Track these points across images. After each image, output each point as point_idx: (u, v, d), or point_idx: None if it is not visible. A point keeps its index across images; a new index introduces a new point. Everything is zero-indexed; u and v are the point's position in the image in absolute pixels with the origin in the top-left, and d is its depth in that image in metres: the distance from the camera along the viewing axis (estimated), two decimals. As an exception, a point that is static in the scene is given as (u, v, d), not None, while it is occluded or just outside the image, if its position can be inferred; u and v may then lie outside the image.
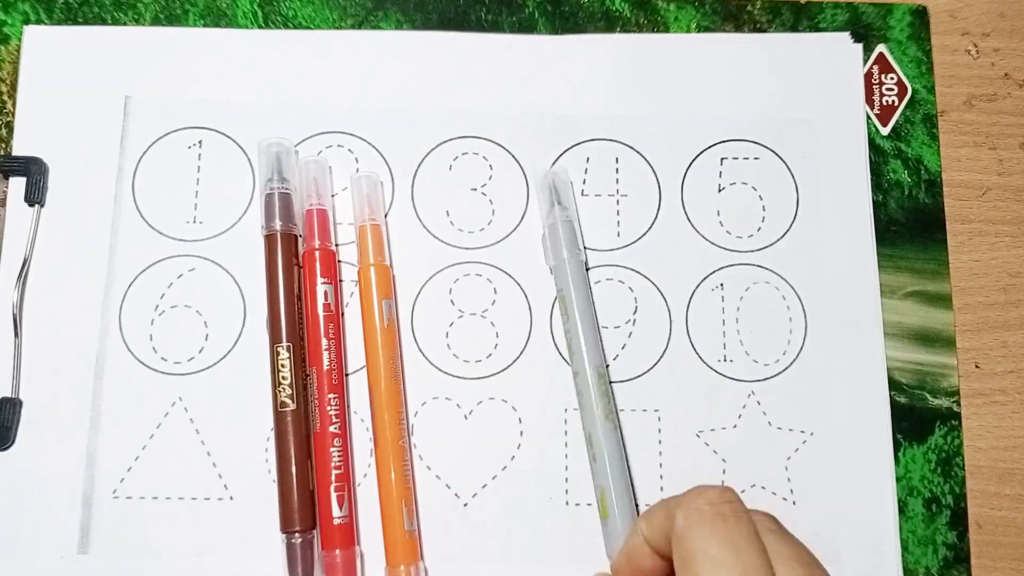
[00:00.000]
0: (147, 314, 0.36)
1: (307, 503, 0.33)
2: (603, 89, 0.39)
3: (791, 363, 0.37)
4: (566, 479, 0.35)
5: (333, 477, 0.33)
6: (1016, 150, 0.39)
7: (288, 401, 0.33)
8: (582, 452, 0.35)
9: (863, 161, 0.38)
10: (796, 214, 0.38)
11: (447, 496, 0.35)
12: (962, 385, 0.37)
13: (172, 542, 0.34)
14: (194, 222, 0.37)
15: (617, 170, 0.38)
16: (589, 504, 0.35)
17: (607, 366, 0.36)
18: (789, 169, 0.38)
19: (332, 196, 0.37)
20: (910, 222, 0.38)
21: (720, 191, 0.38)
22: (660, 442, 0.36)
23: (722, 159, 0.38)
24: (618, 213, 0.38)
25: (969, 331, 0.38)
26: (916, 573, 0.35)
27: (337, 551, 0.33)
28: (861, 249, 0.38)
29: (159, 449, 0.35)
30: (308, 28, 0.39)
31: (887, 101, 0.39)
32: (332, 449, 0.33)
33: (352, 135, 0.38)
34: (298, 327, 0.34)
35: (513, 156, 0.38)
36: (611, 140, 0.38)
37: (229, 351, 0.36)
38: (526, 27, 0.39)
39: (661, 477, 0.35)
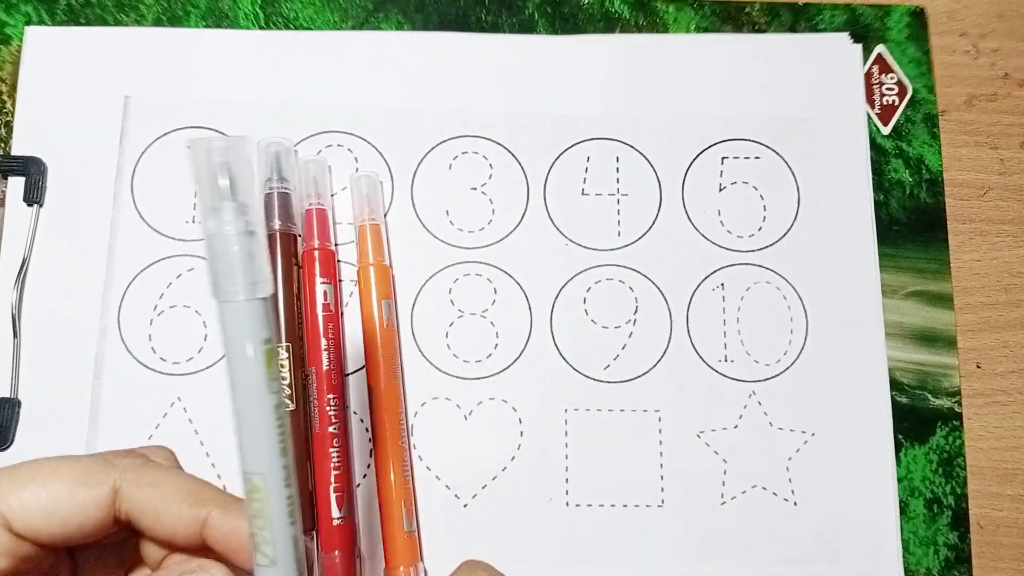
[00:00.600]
0: (146, 314, 0.36)
1: (306, 504, 0.33)
2: (603, 89, 0.39)
3: (792, 363, 0.37)
4: (566, 479, 0.35)
5: (332, 478, 0.33)
6: (1017, 150, 0.39)
7: (287, 401, 0.33)
8: (582, 452, 0.35)
9: (864, 161, 0.38)
10: (797, 214, 0.38)
11: (447, 496, 0.35)
12: (963, 385, 0.37)
13: (171, 543, 0.34)
14: (193, 222, 0.37)
15: (617, 170, 0.38)
16: (589, 504, 0.35)
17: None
18: (790, 169, 0.38)
19: (332, 196, 0.37)
20: (911, 222, 0.38)
21: (721, 191, 0.38)
22: (660, 442, 0.36)
23: (723, 159, 0.38)
24: (618, 213, 0.38)
25: (970, 331, 0.37)
26: (917, 574, 0.35)
27: (336, 552, 0.32)
28: (862, 249, 0.38)
29: (158, 449, 0.34)
30: (309, 29, 0.39)
31: (887, 101, 0.39)
32: (331, 450, 0.33)
33: (352, 135, 0.38)
34: (297, 327, 0.34)
35: (513, 156, 0.38)
36: (611, 140, 0.38)
37: (228, 351, 0.35)
38: (526, 28, 0.39)
39: (662, 478, 0.35)
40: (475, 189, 0.38)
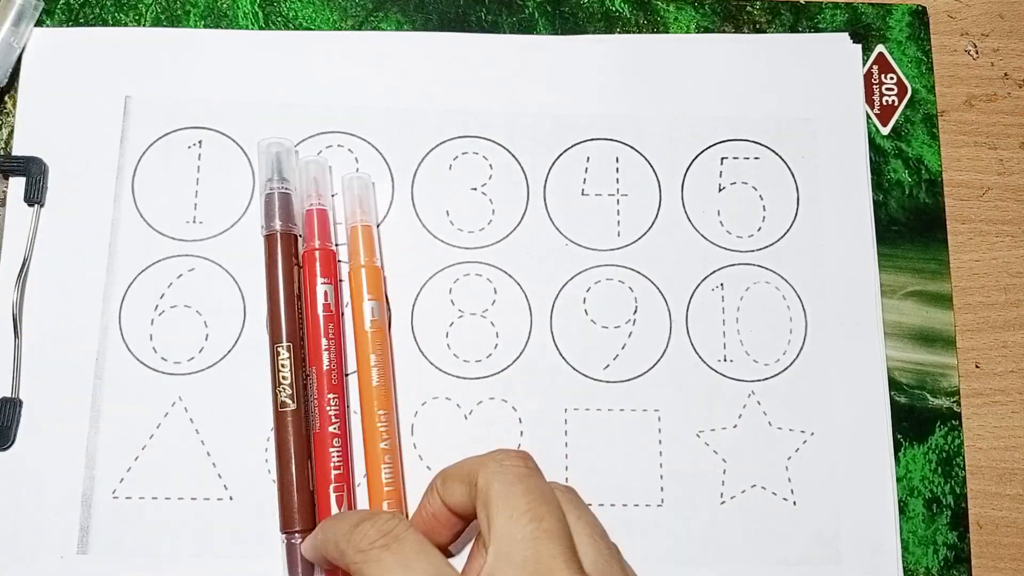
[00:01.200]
0: (147, 314, 0.36)
1: (307, 503, 0.33)
2: (603, 89, 0.39)
3: (791, 363, 0.37)
4: (566, 479, 0.35)
5: (333, 477, 0.33)
6: (1016, 150, 0.39)
7: (288, 401, 0.33)
8: (582, 452, 0.35)
9: (863, 161, 0.38)
10: (796, 214, 0.38)
11: (447, 496, 0.35)
12: (962, 385, 0.37)
13: (172, 542, 0.34)
14: (194, 222, 0.37)
15: (617, 170, 0.38)
16: (589, 504, 0.35)
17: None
18: (789, 169, 0.38)
19: (332, 196, 0.37)
20: (910, 222, 0.38)
21: (720, 191, 0.38)
22: (660, 442, 0.36)
23: (722, 159, 0.38)
24: (618, 213, 0.38)
25: (969, 331, 0.38)
26: (916, 573, 0.35)
27: (337, 551, 0.32)
28: (861, 249, 0.38)
29: (159, 449, 0.35)
30: (309, 29, 0.39)
31: (887, 101, 0.39)
32: (332, 449, 0.33)
33: (352, 135, 0.38)
34: (298, 327, 0.34)
35: (513, 156, 0.38)
36: (611, 140, 0.38)
37: (229, 351, 0.36)
38: (526, 28, 0.39)
39: (661, 477, 0.35)
40: (475, 189, 0.38)
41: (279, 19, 0.39)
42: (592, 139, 0.38)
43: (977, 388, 0.37)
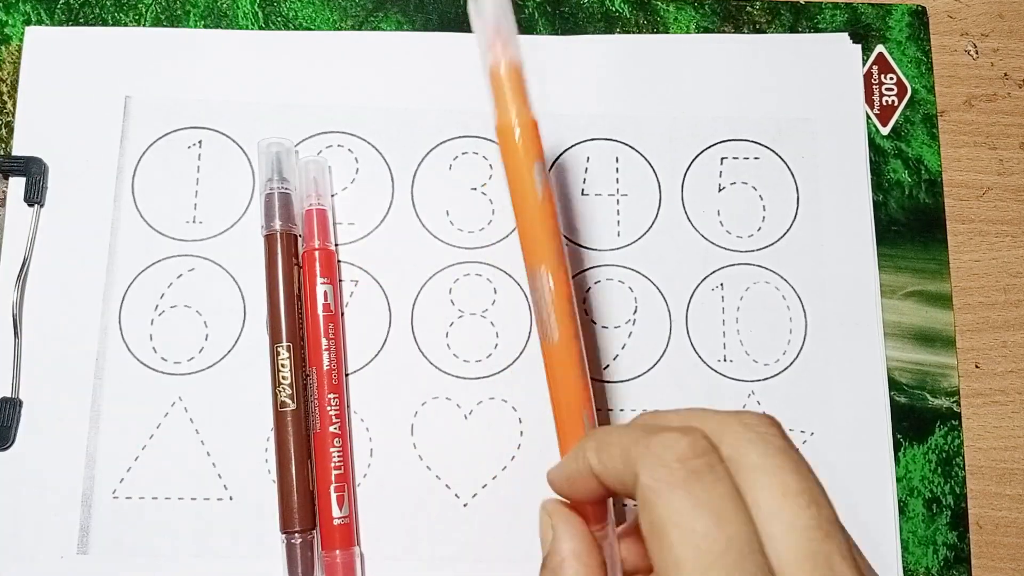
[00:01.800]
0: (147, 314, 0.36)
1: (307, 503, 0.33)
2: (603, 89, 0.39)
3: (791, 363, 0.37)
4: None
5: (333, 477, 0.33)
6: (1016, 150, 0.39)
7: (288, 401, 0.33)
8: (582, 452, 0.35)
9: (863, 161, 0.38)
10: (796, 214, 0.38)
11: (447, 496, 0.35)
12: (962, 385, 0.37)
13: (172, 542, 0.34)
14: (194, 222, 0.37)
15: (617, 170, 0.38)
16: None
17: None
18: (789, 169, 0.38)
19: (332, 196, 0.37)
20: (910, 222, 0.38)
21: (720, 191, 0.38)
22: (660, 442, 0.36)
23: (722, 159, 0.38)
24: (618, 213, 0.38)
25: (969, 331, 0.38)
26: (916, 573, 0.35)
27: (337, 551, 0.32)
28: (861, 249, 0.38)
29: (159, 449, 0.35)
30: (309, 29, 0.39)
31: (887, 101, 0.39)
32: (332, 449, 0.33)
33: (352, 135, 0.38)
34: (298, 327, 0.34)
35: (513, 156, 0.38)
36: (611, 140, 0.38)
37: (229, 351, 0.36)
38: (526, 28, 0.39)
39: (661, 477, 0.35)
40: (475, 189, 0.38)
41: (279, 19, 0.39)
42: (592, 139, 0.38)
43: (977, 388, 0.37)
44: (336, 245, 0.36)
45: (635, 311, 0.37)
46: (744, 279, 0.37)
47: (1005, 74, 0.40)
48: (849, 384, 0.36)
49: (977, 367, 0.37)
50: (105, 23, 0.38)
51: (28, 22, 0.38)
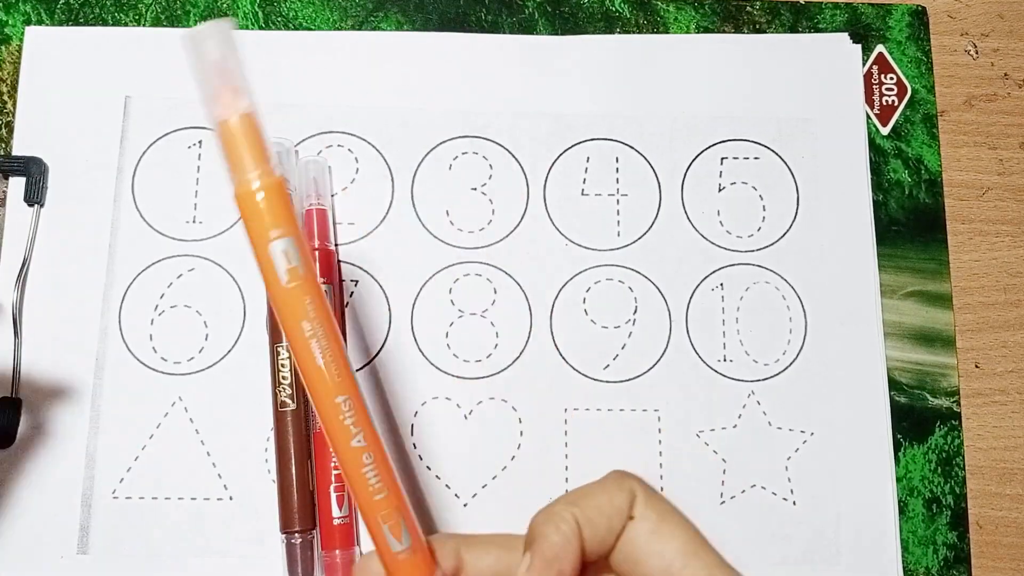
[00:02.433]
0: (147, 314, 0.36)
1: (307, 503, 0.33)
2: (603, 89, 0.39)
3: (791, 363, 0.37)
4: (566, 479, 0.35)
5: (333, 477, 0.33)
6: (1016, 150, 0.39)
7: (288, 401, 0.33)
8: (582, 451, 0.35)
9: (863, 161, 0.38)
10: (796, 214, 0.38)
11: (447, 496, 0.35)
12: (962, 385, 0.37)
13: (172, 542, 0.34)
14: (194, 222, 0.37)
15: (617, 170, 0.38)
16: (589, 504, 0.35)
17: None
18: (789, 169, 0.38)
19: (332, 196, 0.37)
20: (910, 222, 0.38)
21: (720, 191, 0.38)
22: (660, 442, 0.36)
23: (722, 159, 0.38)
24: (618, 213, 0.38)
25: (969, 331, 0.38)
26: (916, 573, 0.35)
27: (337, 551, 0.32)
28: (861, 249, 0.38)
29: (159, 449, 0.35)
30: (309, 29, 0.39)
31: (887, 101, 0.39)
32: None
33: (352, 135, 0.38)
34: (298, 327, 0.34)
35: (513, 156, 0.38)
36: (611, 140, 0.38)
37: (229, 351, 0.36)
38: (526, 28, 0.39)
39: (661, 477, 0.35)
40: (475, 189, 0.38)
41: (279, 19, 0.39)
42: (592, 139, 0.38)
43: (977, 388, 0.37)
44: (336, 245, 0.36)
45: (635, 311, 0.37)
46: (744, 279, 0.37)
47: (1005, 74, 0.40)
48: (849, 384, 0.36)
49: (977, 367, 0.37)
50: (105, 23, 0.38)
51: (28, 22, 0.38)
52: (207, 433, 0.35)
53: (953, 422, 0.36)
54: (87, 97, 0.37)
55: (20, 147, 0.37)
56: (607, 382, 0.36)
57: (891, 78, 0.40)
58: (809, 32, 0.40)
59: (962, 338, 0.37)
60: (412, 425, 0.35)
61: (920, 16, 0.40)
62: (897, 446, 0.36)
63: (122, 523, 0.34)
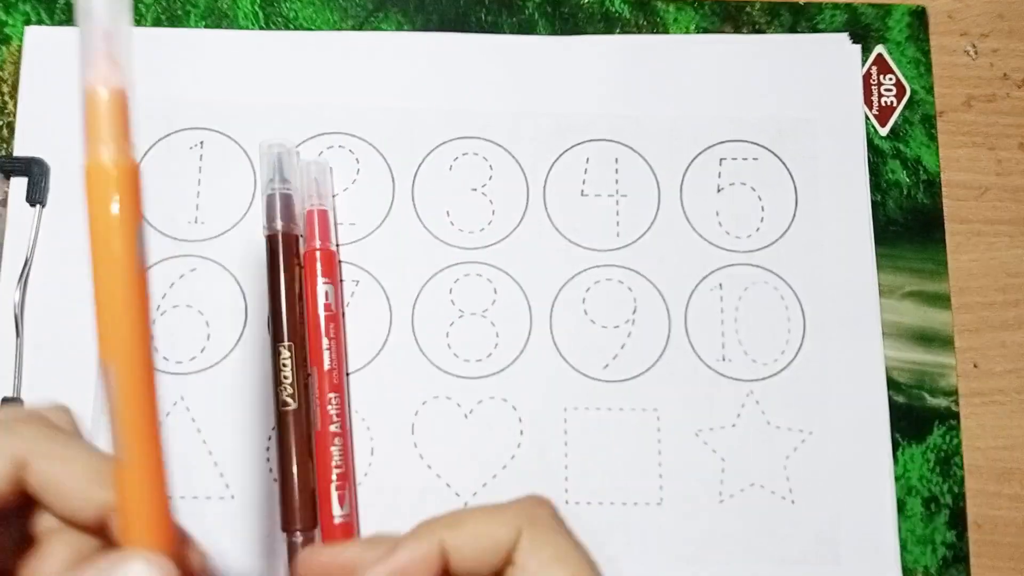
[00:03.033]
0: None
1: (308, 502, 0.33)
2: (603, 89, 0.39)
3: (790, 363, 0.37)
4: (565, 478, 0.35)
5: (334, 476, 0.33)
6: (1015, 150, 0.40)
7: (289, 400, 0.33)
8: (581, 451, 0.35)
9: (862, 161, 0.39)
10: (795, 214, 0.38)
11: (447, 495, 0.35)
12: (961, 385, 0.37)
13: (173, 541, 0.34)
14: (196, 222, 0.37)
15: (617, 170, 0.38)
16: (588, 503, 0.35)
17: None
18: (788, 169, 0.39)
19: (333, 196, 0.37)
20: (909, 222, 0.38)
21: (719, 191, 0.38)
22: (659, 441, 0.36)
23: (721, 159, 0.38)
24: (617, 213, 0.38)
25: (968, 331, 0.38)
26: (915, 573, 0.35)
27: (338, 550, 0.33)
28: (860, 249, 0.38)
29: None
30: (309, 29, 0.39)
31: (886, 102, 0.39)
32: (333, 448, 0.33)
33: (353, 136, 0.38)
34: (299, 327, 0.34)
35: (513, 156, 0.38)
36: (611, 140, 0.38)
37: (230, 351, 0.36)
38: (526, 28, 0.39)
39: (660, 476, 0.35)
40: (475, 190, 0.38)
41: (279, 19, 0.39)
42: (592, 139, 0.38)
43: (975, 388, 0.37)
44: (337, 245, 0.36)
45: (634, 311, 0.37)
46: (743, 279, 0.37)
47: (1004, 74, 0.40)
48: (848, 384, 0.37)
49: (975, 367, 0.37)
50: (106, 23, 0.38)
51: (28, 22, 0.38)
52: (209, 432, 0.35)
53: (951, 422, 0.37)
54: (88, 97, 0.37)
55: (21, 147, 0.37)
56: (607, 382, 0.36)
57: (890, 79, 0.40)
58: (808, 32, 0.40)
59: (960, 338, 0.38)
60: (412, 424, 0.35)
61: (920, 16, 0.40)
62: (895, 445, 0.36)
63: (124, 522, 0.34)
